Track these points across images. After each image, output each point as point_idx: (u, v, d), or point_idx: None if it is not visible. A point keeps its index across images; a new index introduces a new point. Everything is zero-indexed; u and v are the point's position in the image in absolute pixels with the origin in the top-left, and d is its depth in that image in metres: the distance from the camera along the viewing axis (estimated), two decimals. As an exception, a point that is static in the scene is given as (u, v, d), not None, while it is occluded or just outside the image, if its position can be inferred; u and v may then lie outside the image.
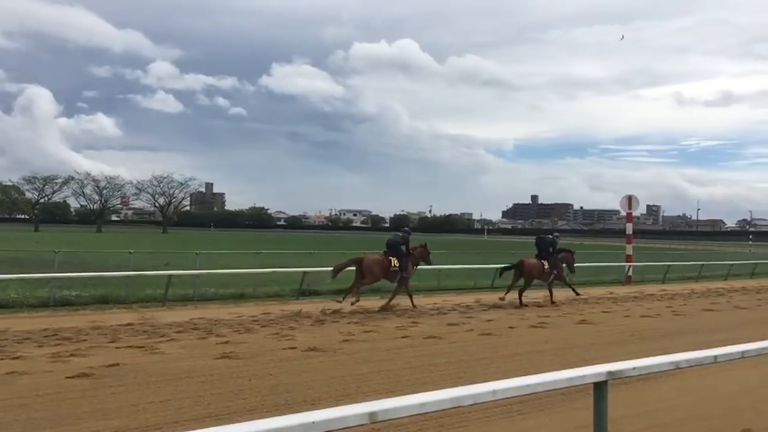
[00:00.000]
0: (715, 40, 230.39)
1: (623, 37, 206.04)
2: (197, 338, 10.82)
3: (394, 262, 15.44)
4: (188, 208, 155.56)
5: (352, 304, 14.81)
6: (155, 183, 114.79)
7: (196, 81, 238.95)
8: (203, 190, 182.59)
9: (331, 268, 15.49)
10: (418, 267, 16.68)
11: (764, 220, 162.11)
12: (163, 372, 8.19)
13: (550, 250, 18.17)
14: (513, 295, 17.01)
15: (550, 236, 18.99)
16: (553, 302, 17.32)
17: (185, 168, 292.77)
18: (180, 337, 10.88)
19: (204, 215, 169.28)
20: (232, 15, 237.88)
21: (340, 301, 14.65)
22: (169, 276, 16.06)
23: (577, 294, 18.29)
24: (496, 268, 18.72)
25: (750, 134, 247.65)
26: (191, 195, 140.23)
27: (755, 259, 37.81)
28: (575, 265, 19.38)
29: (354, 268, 15.37)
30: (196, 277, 17.28)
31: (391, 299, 15.46)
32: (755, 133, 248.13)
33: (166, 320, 12.58)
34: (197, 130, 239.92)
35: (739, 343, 6.19)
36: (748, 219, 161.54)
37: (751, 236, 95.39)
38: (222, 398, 7.03)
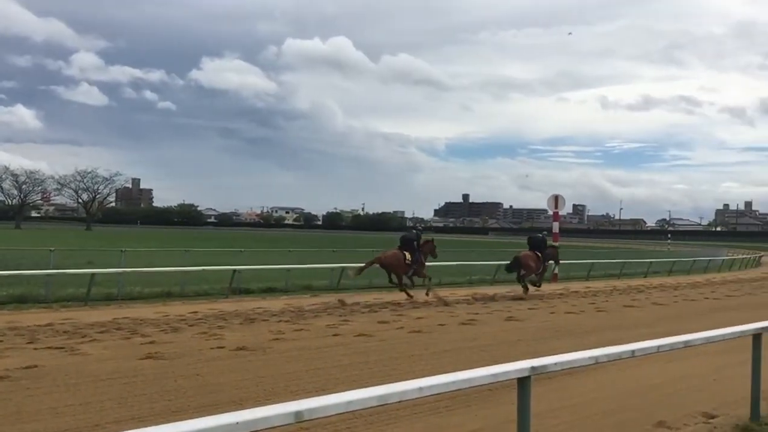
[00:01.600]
0: (637, 45, 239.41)
1: (571, 33, 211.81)
2: (121, 338, 10.52)
3: (408, 256, 17.50)
4: (114, 204, 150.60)
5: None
6: (78, 178, 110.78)
7: (122, 73, 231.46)
8: (130, 185, 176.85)
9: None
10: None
11: (682, 219, 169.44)
12: (84, 373, 7.92)
13: (543, 246, 20.48)
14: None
15: (540, 235, 21.38)
16: (526, 292, 19.15)
17: (111, 163, 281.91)
18: (102, 337, 10.55)
19: (130, 212, 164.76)
20: (159, 6, 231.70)
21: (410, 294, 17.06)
22: (92, 274, 15.57)
23: (526, 291, 19.31)
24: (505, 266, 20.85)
25: (668, 137, 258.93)
26: (117, 191, 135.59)
27: (673, 257, 39.43)
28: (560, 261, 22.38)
29: (377, 265, 17.75)
30: (121, 275, 16.77)
31: (406, 290, 17.48)
32: (673, 136, 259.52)
33: (89, 320, 12.18)
34: (124, 124, 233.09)
35: (656, 338, 6.45)
36: (667, 219, 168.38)
37: (669, 235, 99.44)
38: (146, 400, 6.85)
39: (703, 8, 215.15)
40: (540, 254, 19.95)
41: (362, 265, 17.92)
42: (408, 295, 17.10)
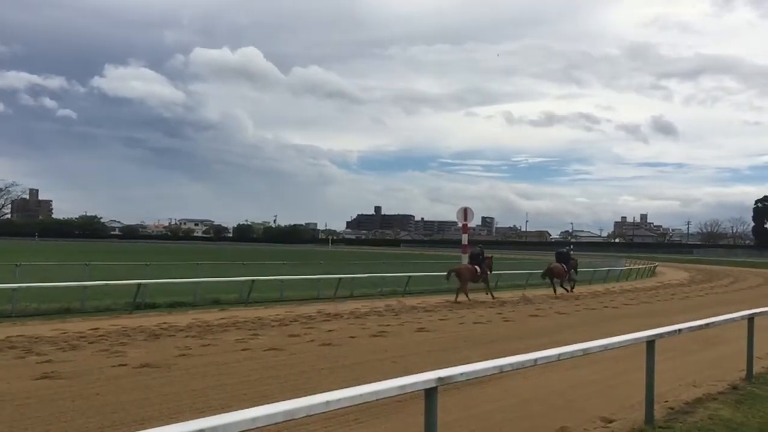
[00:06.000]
0: (539, 64, 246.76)
1: (498, 54, 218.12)
2: (14, 357, 9.96)
3: (478, 268, 22.67)
4: (9, 216, 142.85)
5: (458, 299, 21.36)
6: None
7: (18, 79, 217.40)
8: (27, 196, 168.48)
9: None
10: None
11: (583, 231, 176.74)
12: (-29, 397, 7.44)
13: (568, 258, 26.52)
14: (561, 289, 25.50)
15: (565, 249, 27.92)
16: (571, 292, 25.86)
17: (6, 173, 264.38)
18: (-7, 357, 9.95)
19: (28, 224, 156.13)
20: (59, 10, 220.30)
21: (457, 300, 21.24)
22: (-17, 290, 14.66)
23: (570, 290, 26.39)
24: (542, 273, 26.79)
25: (570, 152, 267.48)
26: (13, 202, 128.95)
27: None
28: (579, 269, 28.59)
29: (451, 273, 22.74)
30: (15, 290, 15.88)
31: (487, 292, 23.16)
32: (574, 152, 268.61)
33: (-22, 339, 11.45)
34: (20, 132, 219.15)
35: (557, 346, 6.68)
36: (570, 230, 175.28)
37: (572, 246, 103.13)
38: (41, 422, 6.51)
39: (600, 31, 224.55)
40: (566, 265, 25.97)
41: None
42: (468, 298, 21.59)
